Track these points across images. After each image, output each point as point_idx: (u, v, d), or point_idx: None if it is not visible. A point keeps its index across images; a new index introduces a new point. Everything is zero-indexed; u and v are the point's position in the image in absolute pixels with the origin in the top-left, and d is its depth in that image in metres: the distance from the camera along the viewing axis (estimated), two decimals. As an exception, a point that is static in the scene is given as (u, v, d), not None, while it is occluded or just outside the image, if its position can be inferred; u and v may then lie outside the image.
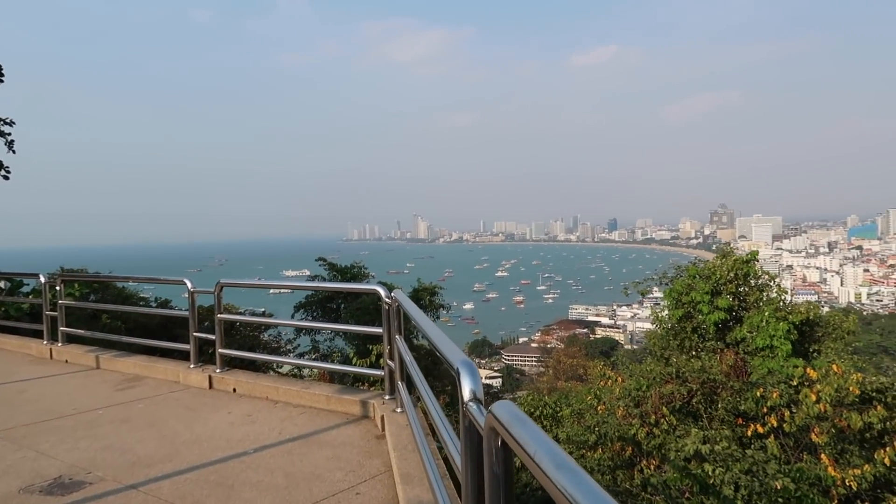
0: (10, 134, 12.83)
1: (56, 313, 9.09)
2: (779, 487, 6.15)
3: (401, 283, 11.87)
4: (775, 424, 7.45)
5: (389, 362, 5.36)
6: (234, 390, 6.61)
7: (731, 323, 13.26)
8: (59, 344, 8.99)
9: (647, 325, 40.67)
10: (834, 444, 7.15)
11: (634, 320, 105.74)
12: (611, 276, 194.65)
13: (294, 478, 4.19)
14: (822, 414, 7.14)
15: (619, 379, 9.91)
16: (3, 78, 12.50)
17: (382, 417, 5.09)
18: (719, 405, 8.56)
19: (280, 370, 14.69)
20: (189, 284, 7.14)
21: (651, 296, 22.64)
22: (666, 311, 14.13)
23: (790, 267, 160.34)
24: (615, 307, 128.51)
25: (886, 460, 6.37)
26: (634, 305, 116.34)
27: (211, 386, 6.78)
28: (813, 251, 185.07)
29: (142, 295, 16.40)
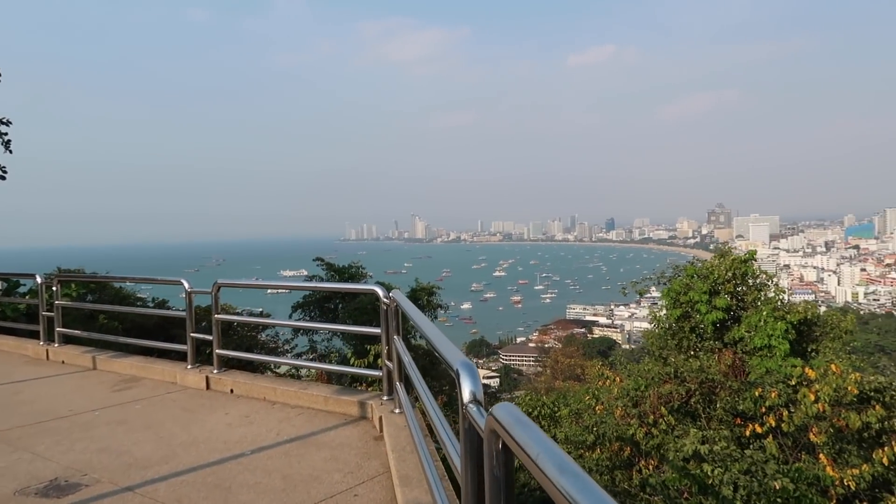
0: (6, 134, 12.77)
1: (53, 314, 9.05)
2: (777, 487, 6.14)
3: (399, 282, 11.86)
4: (774, 424, 7.46)
5: (387, 363, 5.34)
6: (232, 391, 6.58)
7: (729, 322, 13.26)
8: (56, 344, 8.95)
9: (645, 325, 40.71)
10: (832, 443, 7.16)
11: (632, 320, 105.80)
12: (608, 275, 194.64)
13: (292, 479, 4.17)
14: (821, 414, 7.15)
15: (618, 379, 9.90)
16: None
17: (381, 418, 5.06)
18: (718, 405, 8.56)
19: (278, 371, 14.66)
20: (186, 285, 7.12)
21: (649, 295, 22.68)
22: (664, 311, 14.12)
23: (787, 266, 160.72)
24: (613, 307, 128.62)
25: (885, 460, 6.38)
26: (632, 305, 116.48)
27: (208, 387, 6.75)
28: (810, 250, 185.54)
29: (139, 295, 16.36)
